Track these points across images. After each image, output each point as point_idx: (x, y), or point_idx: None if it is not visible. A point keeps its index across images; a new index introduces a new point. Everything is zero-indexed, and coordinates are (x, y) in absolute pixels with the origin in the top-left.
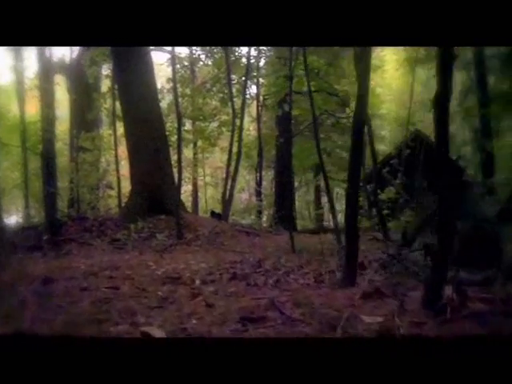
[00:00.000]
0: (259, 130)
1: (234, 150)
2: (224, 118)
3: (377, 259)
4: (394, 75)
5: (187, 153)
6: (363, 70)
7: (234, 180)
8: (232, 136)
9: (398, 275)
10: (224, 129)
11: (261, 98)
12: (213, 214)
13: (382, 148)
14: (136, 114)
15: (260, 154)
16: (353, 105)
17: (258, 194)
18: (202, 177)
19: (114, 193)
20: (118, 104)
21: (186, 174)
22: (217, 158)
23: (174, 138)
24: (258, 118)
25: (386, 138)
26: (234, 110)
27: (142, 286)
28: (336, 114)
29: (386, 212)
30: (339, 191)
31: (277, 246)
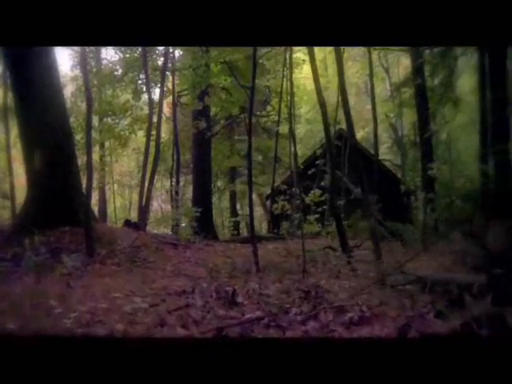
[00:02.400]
0: (175, 128)
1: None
2: (137, 113)
3: None
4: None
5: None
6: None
7: (151, 184)
8: (148, 134)
9: None
10: (136, 127)
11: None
12: (128, 223)
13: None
14: (32, 106)
15: (177, 157)
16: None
17: (176, 200)
18: (110, 183)
19: (8, 203)
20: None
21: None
22: (124, 162)
23: (78, 137)
24: (174, 115)
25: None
26: (151, 103)
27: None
28: (257, 112)
29: (315, 217)
30: (254, 197)
31: (222, 261)
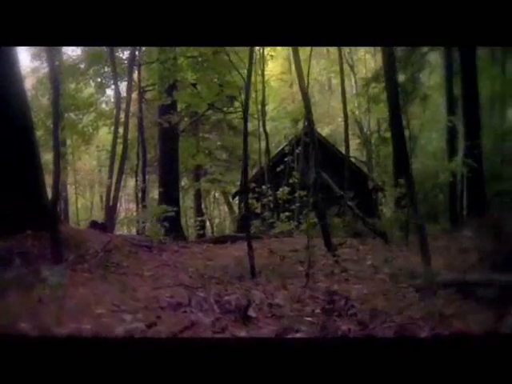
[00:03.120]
0: (141, 124)
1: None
2: (101, 108)
3: None
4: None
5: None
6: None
7: (118, 183)
8: (116, 131)
9: None
10: (100, 123)
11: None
12: (94, 224)
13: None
14: None
15: (143, 154)
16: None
17: (143, 200)
18: (71, 182)
19: None
20: None
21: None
22: (86, 160)
23: (39, 133)
24: (140, 110)
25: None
26: (118, 97)
27: None
28: (224, 108)
29: (286, 214)
30: (217, 195)
31: (204, 265)
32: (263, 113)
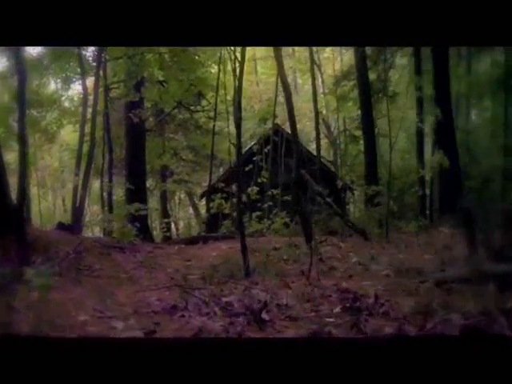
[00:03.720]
0: (107, 121)
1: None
2: (65, 105)
3: None
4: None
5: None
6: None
7: (85, 183)
8: (82, 128)
9: None
10: (65, 120)
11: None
12: (61, 226)
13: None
14: None
15: (110, 154)
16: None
17: (109, 201)
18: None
19: None
20: None
21: (14, 179)
22: (48, 160)
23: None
24: (106, 106)
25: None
26: (86, 93)
27: None
28: (191, 106)
29: (257, 214)
30: (183, 197)
31: (182, 265)
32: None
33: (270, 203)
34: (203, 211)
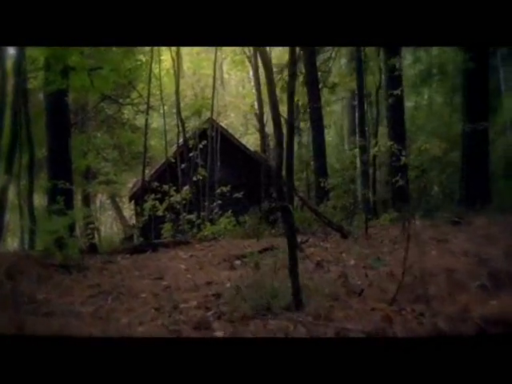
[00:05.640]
0: (26, 113)
1: None
2: None
3: None
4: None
5: None
6: None
7: (5, 186)
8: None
9: None
10: None
11: None
12: None
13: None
14: None
15: (31, 152)
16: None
17: (30, 206)
18: None
19: None
20: None
21: None
22: None
23: None
24: (26, 99)
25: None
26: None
27: None
28: (119, 99)
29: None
30: (104, 200)
31: (157, 286)
32: (179, 104)
33: (219, 202)
34: (126, 214)
